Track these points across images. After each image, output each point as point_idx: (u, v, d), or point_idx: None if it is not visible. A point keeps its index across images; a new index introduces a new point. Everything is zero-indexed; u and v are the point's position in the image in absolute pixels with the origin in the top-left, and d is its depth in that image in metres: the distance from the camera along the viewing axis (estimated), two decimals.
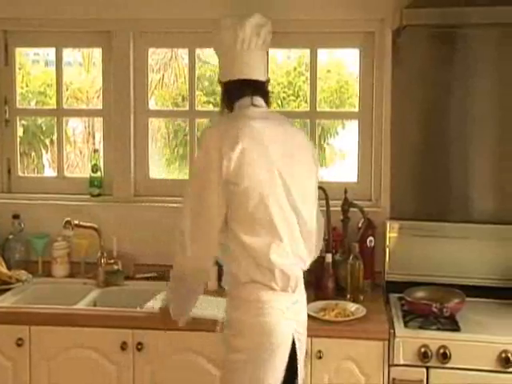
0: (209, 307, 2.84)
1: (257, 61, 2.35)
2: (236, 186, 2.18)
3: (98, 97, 3.73)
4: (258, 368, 2.22)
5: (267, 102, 2.39)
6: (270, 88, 2.45)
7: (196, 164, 2.31)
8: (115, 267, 3.26)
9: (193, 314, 2.51)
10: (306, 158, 2.38)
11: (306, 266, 2.37)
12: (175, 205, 3.40)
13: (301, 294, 2.34)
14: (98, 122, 3.69)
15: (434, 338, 2.64)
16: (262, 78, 2.38)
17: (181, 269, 2.33)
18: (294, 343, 2.27)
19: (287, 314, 2.25)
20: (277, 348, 2.23)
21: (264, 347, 2.22)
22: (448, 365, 2.61)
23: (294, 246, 2.28)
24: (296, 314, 2.30)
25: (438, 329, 2.70)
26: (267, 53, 2.50)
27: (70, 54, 3.85)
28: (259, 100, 2.35)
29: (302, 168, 2.34)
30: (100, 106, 3.56)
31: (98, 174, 3.50)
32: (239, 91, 2.34)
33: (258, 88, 2.36)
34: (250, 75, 2.33)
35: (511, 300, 3.01)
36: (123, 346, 2.76)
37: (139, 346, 2.76)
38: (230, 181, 2.18)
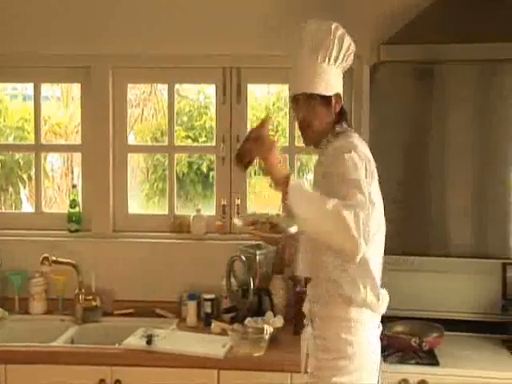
0: (189, 344, 2.82)
1: None
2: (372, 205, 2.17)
3: (76, 132, 3.72)
4: None
5: None
6: None
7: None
8: (93, 303, 3.22)
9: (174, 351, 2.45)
10: None
11: None
12: (154, 240, 3.42)
13: None
14: (77, 157, 3.68)
15: (413, 373, 2.66)
16: None
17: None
18: None
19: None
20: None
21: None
22: None
23: None
24: None
25: (417, 363, 2.71)
26: None
27: (48, 89, 3.84)
28: None
29: None
30: (79, 142, 3.57)
31: (77, 209, 3.48)
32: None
33: None
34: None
35: (488, 334, 3.03)
36: None
37: None
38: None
